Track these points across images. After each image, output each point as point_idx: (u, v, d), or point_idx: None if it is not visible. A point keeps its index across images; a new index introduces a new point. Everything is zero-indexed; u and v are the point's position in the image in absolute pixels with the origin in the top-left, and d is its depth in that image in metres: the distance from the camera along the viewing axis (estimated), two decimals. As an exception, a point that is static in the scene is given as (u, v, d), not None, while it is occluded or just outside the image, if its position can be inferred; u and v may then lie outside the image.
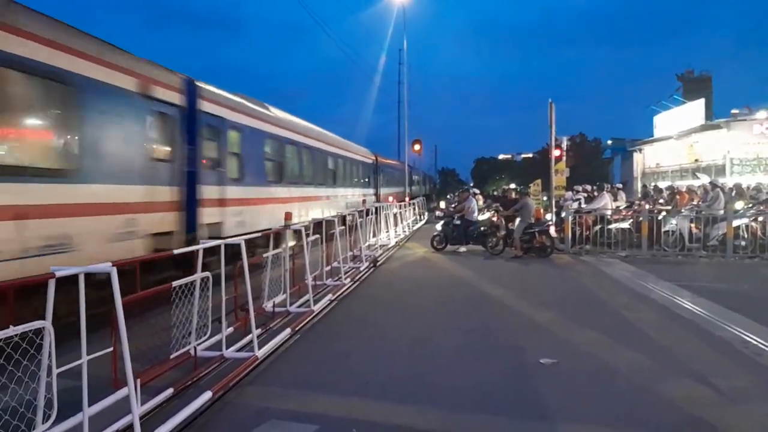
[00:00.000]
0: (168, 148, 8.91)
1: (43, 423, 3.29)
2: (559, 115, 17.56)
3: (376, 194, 28.00)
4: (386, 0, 31.48)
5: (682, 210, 14.44)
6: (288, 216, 9.29)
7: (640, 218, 14.11)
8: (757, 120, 24.36)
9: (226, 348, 5.64)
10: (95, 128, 7.02)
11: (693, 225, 13.78)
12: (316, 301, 7.97)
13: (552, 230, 14.20)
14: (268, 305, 7.30)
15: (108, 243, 7.12)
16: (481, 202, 17.44)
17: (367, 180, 26.46)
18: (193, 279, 5.22)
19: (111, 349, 4.15)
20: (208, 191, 9.82)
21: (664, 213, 14.37)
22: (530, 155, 77.90)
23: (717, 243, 13.50)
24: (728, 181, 20.25)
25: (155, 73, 8.57)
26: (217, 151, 10.47)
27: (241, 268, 5.93)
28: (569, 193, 17.86)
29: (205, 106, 9.90)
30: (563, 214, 15.21)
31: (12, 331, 2.96)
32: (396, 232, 18.52)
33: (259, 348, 5.66)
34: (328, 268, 10.26)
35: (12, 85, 5.88)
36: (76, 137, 6.76)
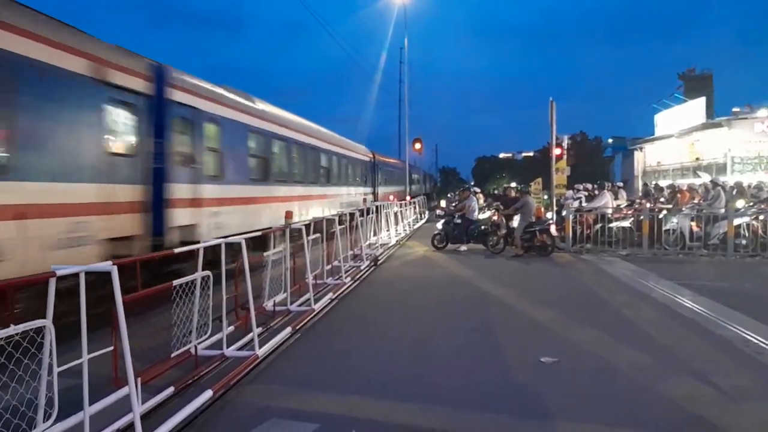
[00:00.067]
0: (129, 142, 8.01)
1: (44, 422, 3.30)
2: (560, 113, 17.54)
3: (374, 193, 27.29)
4: (387, -1, 31.47)
5: (683, 209, 14.43)
6: (289, 215, 9.27)
7: (641, 217, 14.10)
8: (758, 118, 24.32)
9: (227, 347, 5.65)
10: (31, 117, 6.11)
11: (694, 223, 13.77)
12: (316, 300, 7.98)
13: (553, 229, 14.18)
14: (269, 304, 7.30)
15: (49, 251, 6.20)
16: (481, 201, 17.45)
17: (364, 178, 25.64)
18: (194, 278, 5.23)
19: (112, 347, 4.16)
20: (179, 190, 8.89)
21: (665, 212, 14.35)
22: (531, 154, 77.89)
23: (718, 242, 13.48)
24: (729, 179, 20.23)
25: (114, 57, 7.60)
26: (192, 145, 9.53)
27: (241, 267, 5.92)
28: (570, 192, 17.87)
29: (177, 96, 8.96)
30: (564, 213, 15.19)
31: (13, 330, 2.96)
32: (397, 230, 18.52)
33: (260, 347, 5.66)
34: (329, 267, 10.26)
35: None
36: (3, 127, 5.88)
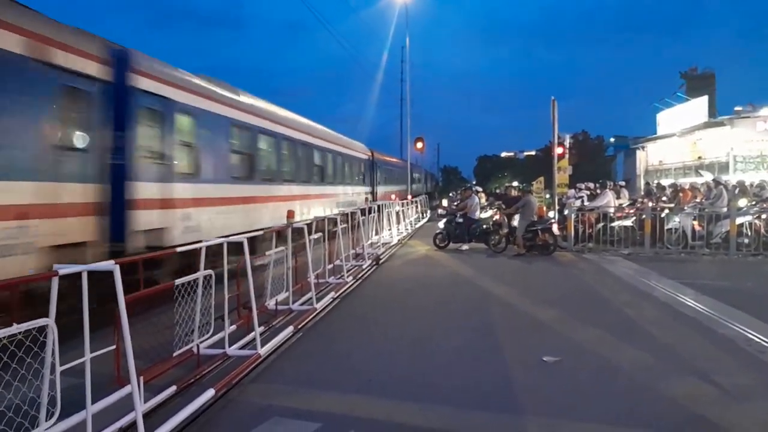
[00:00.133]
0: (80, 134, 7.03)
1: (46, 420, 3.31)
2: (562, 112, 17.56)
3: (372, 192, 26.36)
4: (388, -2, 31.44)
5: (685, 207, 14.41)
6: (291, 214, 9.26)
7: (643, 216, 14.08)
8: (760, 117, 24.28)
9: (229, 346, 5.65)
10: None
11: (696, 222, 13.74)
12: (318, 299, 7.98)
13: (555, 228, 14.18)
14: (271, 303, 7.31)
15: None
16: (483, 200, 17.44)
17: (362, 177, 24.62)
18: (196, 277, 5.24)
19: (114, 346, 4.17)
20: (145, 189, 7.93)
21: (667, 211, 14.34)
22: (533, 153, 77.71)
23: (720, 240, 13.46)
24: (731, 178, 20.20)
25: (62, 36, 6.66)
26: (161, 139, 8.54)
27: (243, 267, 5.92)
28: (572, 191, 17.85)
29: (144, 84, 7.99)
30: (566, 212, 15.19)
31: (16, 328, 2.97)
32: (398, 230, 18.52)
33: (262, 346, 5.67)
34: (331, 266, 10.26)
35: None
36: None
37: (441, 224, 15.85)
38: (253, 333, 5.82)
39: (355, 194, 22.10)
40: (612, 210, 14.70)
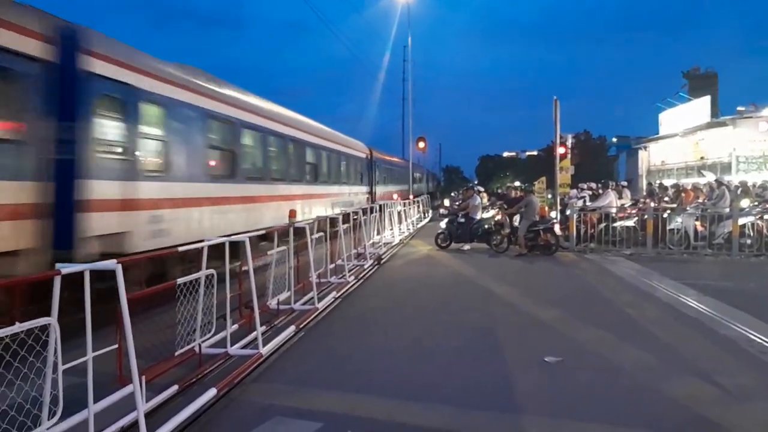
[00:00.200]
0: (14, 123, 6.04)
1: (48, 419, 3.32)
2: (564, 112, 17.57)
3: (371, 192, 25.37)
4: (390, -3, 31.42)
5: (688, 208, 14.40)
6: (293, 214, 9.27)
7: (645, 216, 14.06)
8: (763, 117, 24.27)
9: (231, 345, 5.66)
10: None
11: (698, 223, 13.72)
12: (320, 299, 7.98)
13: (557, 228, 14.17)
14: (273, 302, 7.32)
15: None
16: (485, 200, 17.44)
17: (359, 177, 23.45)
18: (198, 276, 5.24)
19: (116, 346, 4.18)
20: (101, 189, 6.93)
21: (669, 211, 14.33)
22: (535, 153, 77.63)
23: (722, 241, 13.43)
24: (734, 178, 20.18)
25: None
26: (123, 132, 7.53)
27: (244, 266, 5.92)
28: (574, 191, 17.85)
29: (100, 67, 6.94)
30: (568, 212, 15.18)
31: (18, 327, 2.98)
32: (400, 229, 18.53)
33: (264, 345, 5.68)
34: (332, 265, 10.27)
35: None
36: None
37: (443, 224, 15.86)
38: (254, 332, 5.82)
39: (351, 194, 21.23)
40: (614, 210, 14.68)
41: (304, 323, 6.98)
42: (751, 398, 4.60)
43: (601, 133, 71.16)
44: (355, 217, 13.31)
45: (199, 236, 7.93)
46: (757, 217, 13.44)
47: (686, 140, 29.19)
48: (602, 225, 14.48)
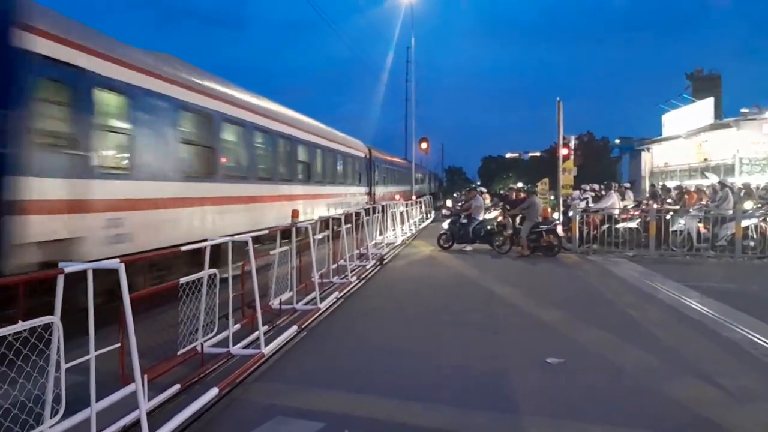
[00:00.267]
0: None
1: (51, 418, 3.33)
2: (567, 113, 17.53)
3: (370, 193, 24.43)
4: (393, -3, 31.39)
5: (691, 210, 14.35)
6: (295, 214, 9.27)
7: (648, 218, 14.04)
8: (766, 119, 24.17)
9: (233, 345, 5.67)
10: None
11: (701, 225, 13.70)
12: (322, 299, 7.99)
13: (559, 229, 14.16)
14: (275, 302, 7.33)
15: None
16: (488, 201, 17.43)
17: (357, 177, 22.35)
18: (201, 276, 5.25)
19: (119, 344, 4.19)
20: (43, 187, 5.92)
21: (672, 213, 14.30)
22: (538, 154, 77.59)
23: (725, 243, 13.40)
24: (737, 180, 20.10)
25: None
26: (72, 122, 6.44)
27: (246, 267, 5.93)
28: (577, 192, 17.81)
29: (42, 47, 5.90)
30: (571, 214, 15.15)
31: (21, 326, 2.99)
32: (402, 230, 18.53)
33: (266, 345, 5.68)
34: (335, 266, 10.28)
35: None
36: None
37: (445, 225, 15.87)
38: (256, 332, 5.83)
39: (349, 195, 20.31)
40: (617, 211, 14.66)
41: (307, 323, 6.98)
42: (754, 400, 4.59)
43: (604, 134, 71.07)
44: (357, 217, 13.31)
45: (171, 241, 7.74)
46: (761, 219, 13.41)
47: (689, 142, 29.10)
48: (605, 226, 14.47)
